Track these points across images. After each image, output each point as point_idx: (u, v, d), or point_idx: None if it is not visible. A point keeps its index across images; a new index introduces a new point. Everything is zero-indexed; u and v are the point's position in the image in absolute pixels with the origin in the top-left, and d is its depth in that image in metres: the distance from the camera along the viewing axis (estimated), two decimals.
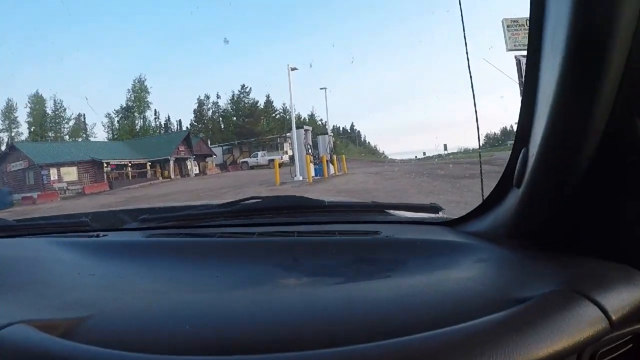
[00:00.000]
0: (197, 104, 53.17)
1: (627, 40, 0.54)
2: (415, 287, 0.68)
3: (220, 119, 53.67)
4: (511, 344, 0.47)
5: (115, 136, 47.04)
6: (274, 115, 53.00)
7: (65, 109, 47.82)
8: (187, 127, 48.98)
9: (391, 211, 1.21)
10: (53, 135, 46.95)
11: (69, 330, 0.55)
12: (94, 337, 0.53)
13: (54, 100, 47.56)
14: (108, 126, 49.70)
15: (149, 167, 32.69)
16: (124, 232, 1.20)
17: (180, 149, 34.43)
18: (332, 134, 24.47)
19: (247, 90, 53.08)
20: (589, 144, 0.61)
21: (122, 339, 0.53)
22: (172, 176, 32.29)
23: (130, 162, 32.21)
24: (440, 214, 1.15)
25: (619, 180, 0.65)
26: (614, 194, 0.66)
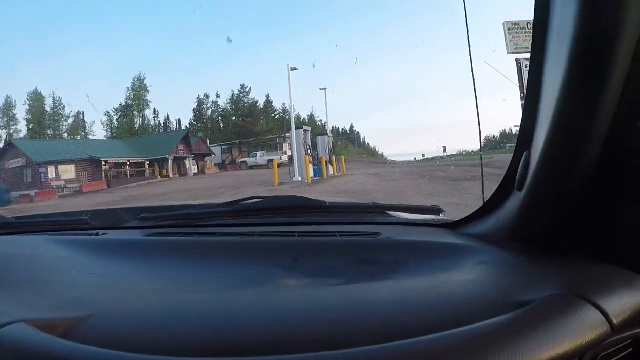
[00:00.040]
0: (196, 103, 53.21)
1: (632, 44, 0.54)
2: (416, 289, 0.68)
3: (220, 118, 53.74)
4: (513, 347, 0.47)
5: (114, 134, 47.07)
6: (273, 115, 53.09)
7: (64, 107, 47.82)
8: (186, 126, 49.07)
9: (392, 212, 1.21)
10: (51, 132, 46.91)
11: (68, 329, 0.54)
12: (94, 336, 0.53)
13: (53, 97, 47.53)
14: (107, 124, 49.79)
15: (147, 166, 32.66)
16: (124, 230, 1.19)
17: (179, 148, 34.42)
18: (331, 135, 24.49)
19: (247, 89, 53.21)
20: (591, 148, 0.61)
21: (122, 339, 0.53)
22: (171, 175, 32.29)
23: (128, 160, 32.20)
24: (441, 216, 1.14)
25: (621, 184, 0.65)
26: (615, 198, 0.66)
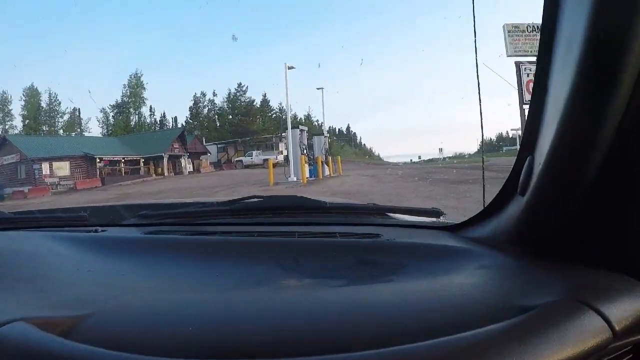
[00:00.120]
0: (193, 101, 53.05)
1: None
2: (417, 292, 0.68)
3: (216, 117, 53.62)
4: (515, 353, 0.47)
5: (110, 131, 46.80)
6: (270, 114, 53.03)
7: (60, 103, 47.52)
8: (182, 124, 48.91)
9: (392, 214, 1.21)
10: (47, 129, 46.59)
11: (69, 328, 0.54)
12: (94, 336, 0.53)
13: (49, 93, 47.25)
14: (103, 121, 49.49)
15: (142, 164, 32.52)
16: (123, 228, 1.18)
17: (174, 146, 34.33)
18: (327, 135, 24.48)
19: (244, 88, 53.12)
20: (597, 153, 0.61)
21: (122, 339, 0.52)
22: (166, 173, 32.19)
23: (123, 158, 32.06)
24: (442, 219, 1.14)
25: (628, 189, 0.64)
26: (621, 204, 0.66)
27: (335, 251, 0.91)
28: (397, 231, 1.06)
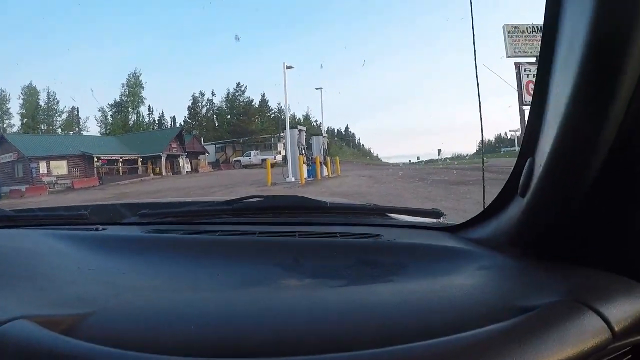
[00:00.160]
0: (191, 101, 52.98)
1: None
2: (417, 292, 0.68)
3: (215, 116, 53.54)
4: (515, 354, 0.47)
5: (108, 131, 46.68)
6: (268, 114, 52.99)
7: (58, 102, 47.39)
8: (180, 124, 48.81)
9: (392, 215, 1.21)
10: (45, 127, 46.44)
11: (70, 327, 0.54)
12: (95, 334, 0.53)
13: (48, 92, 47.10)
14: (101, 120, 49.38)
15: (140, 163, 32.44)
16: (124, 226, 1.18)
17: (172, 146, 34.26)
18: (326, 135, 24.50)
19: (243, 88, 53.08)
20: (598, 155, 0.61)
21: (123, 337, 0.53)
22: (164, 173, 32.13)
23: (121, 157, 31.98)
24: (442, 220, 1.15)
25: (627, 192, 0.65)
26: (621, 205, 0.66)
27: (335, 251, 0.91)
28: (398, 231, 1.06)
